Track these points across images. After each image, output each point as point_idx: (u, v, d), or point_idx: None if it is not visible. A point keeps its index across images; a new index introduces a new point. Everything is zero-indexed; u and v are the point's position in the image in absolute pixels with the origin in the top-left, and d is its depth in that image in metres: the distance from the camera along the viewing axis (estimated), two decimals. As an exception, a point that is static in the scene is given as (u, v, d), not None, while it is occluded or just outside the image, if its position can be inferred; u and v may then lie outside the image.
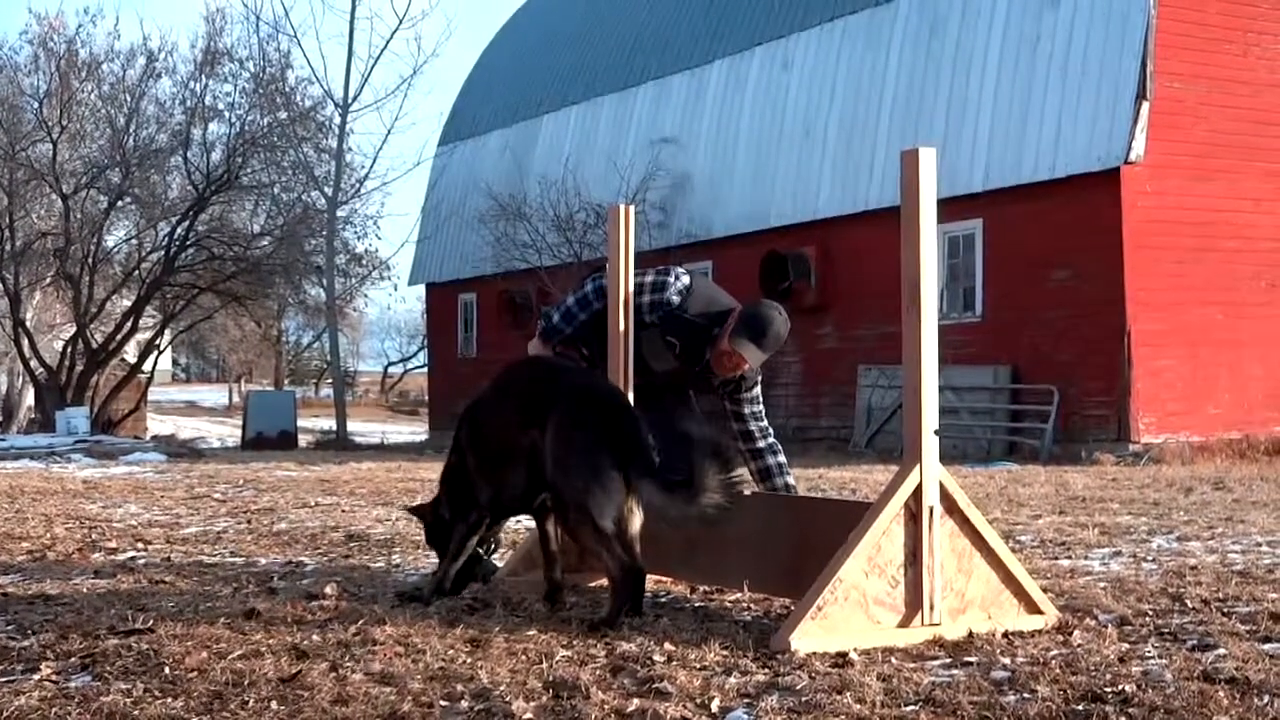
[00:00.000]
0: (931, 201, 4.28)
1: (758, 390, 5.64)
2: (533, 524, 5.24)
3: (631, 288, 5.49)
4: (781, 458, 5.59)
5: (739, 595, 5.08)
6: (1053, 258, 16.77)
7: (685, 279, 5.56)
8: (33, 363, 29.55)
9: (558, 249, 23.49)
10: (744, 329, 5.33)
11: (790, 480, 5.56)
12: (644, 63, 24.43)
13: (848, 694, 3.53)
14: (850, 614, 4.17)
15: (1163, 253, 16.25)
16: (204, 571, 5.89)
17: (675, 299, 5.47)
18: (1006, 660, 3.94)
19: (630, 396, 5.56)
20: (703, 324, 5.44)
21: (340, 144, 28.41)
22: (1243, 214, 16.77)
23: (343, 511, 8.94)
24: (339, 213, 28.71)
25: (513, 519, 6.18)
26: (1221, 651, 4.04)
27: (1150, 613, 4.72)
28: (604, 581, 5.48)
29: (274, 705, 3.47)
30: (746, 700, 3.52)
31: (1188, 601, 4.93)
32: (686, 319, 5.45)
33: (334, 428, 28.36)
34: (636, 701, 3.48)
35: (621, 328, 5.54)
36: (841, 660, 3.93)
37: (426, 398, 35.45)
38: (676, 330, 5.45)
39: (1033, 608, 4.46)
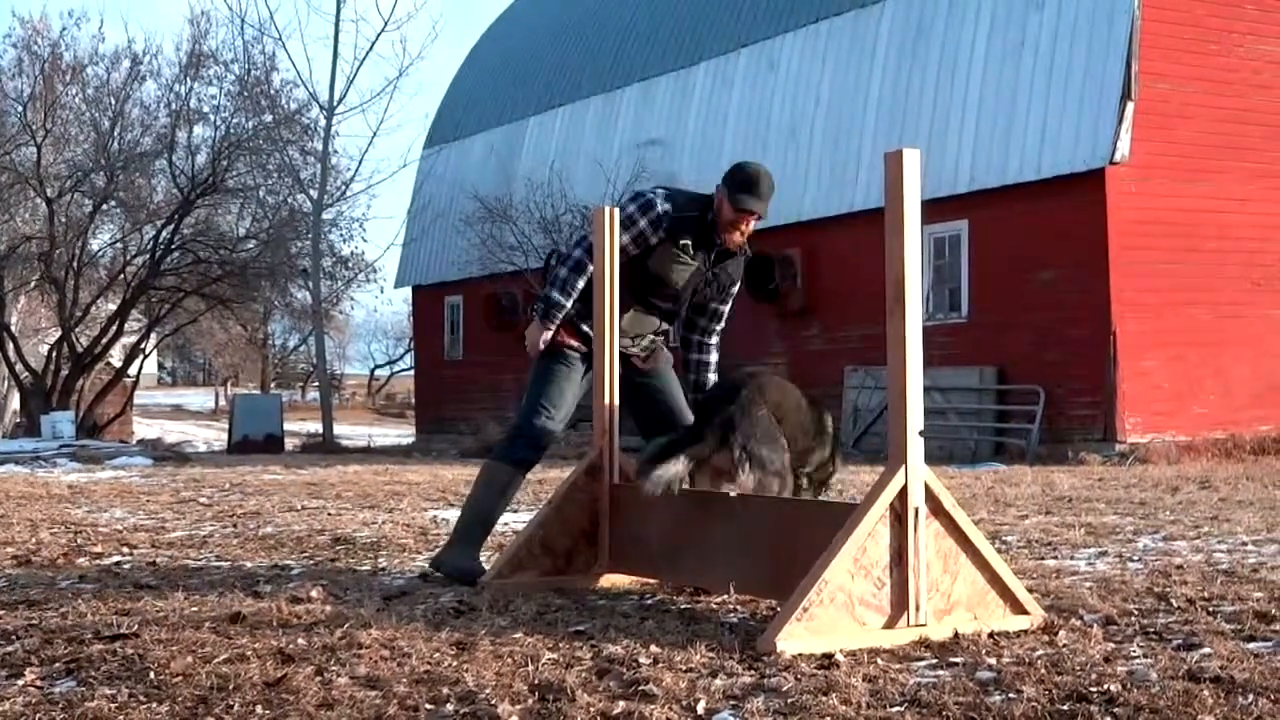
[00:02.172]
0: (916, 203, 4.29)
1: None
2: (519, 525, 5.24)
3: (620, 224, 5.56)
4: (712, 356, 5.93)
5: (725, 597, 5.08)
6: (1038, 258, 16.81)
7: (660, 189, 5.70)
8: (18, 367, 29.47)
9: (544, 251, 23.44)
10: (738, 188, 5.48)
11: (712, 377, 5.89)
12: (629, 65, 24.45)
13: (833, 695, 3.53)
14: (836, 615, 4.17)
15: (1148, 253, 16.30)
16: (189, 576, 5.87)
17: (666, 206, 5.56)
18: (992, 661, 3.95)
19: (616, 395, 5.58)
20: (697, 213, 5.58)
21: (326, 147, 28.40)
22: (1228, 214, 16.82)
23: (329, 515, 8.93)
24: (325, 215, 28.67)
25: (500, 522, 6.18)
26: (1207, 651, 4.04)
27: (1136, 612, 4.72)
28: (592, 584, 5.49)
29: (259, 709, 3.46)
30: (732, 702, 3.52)
31: (1173, 601, 4.93)
32: (684, 216, 5.56)
33: (320, 431, 28.32)
34: (622, 704, 3.48)
35: (607, 327, 5.54)
36: (827, 661, 3.93)
37: (413, 400, 35.41)
38: (682, 230, 5.55)
39: (1018, 608, 4.47)
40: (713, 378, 5.89)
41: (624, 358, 5.72)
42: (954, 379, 17.46)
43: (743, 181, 5.49)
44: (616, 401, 5.61)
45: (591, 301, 5.65)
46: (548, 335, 5.66)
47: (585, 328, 5.70)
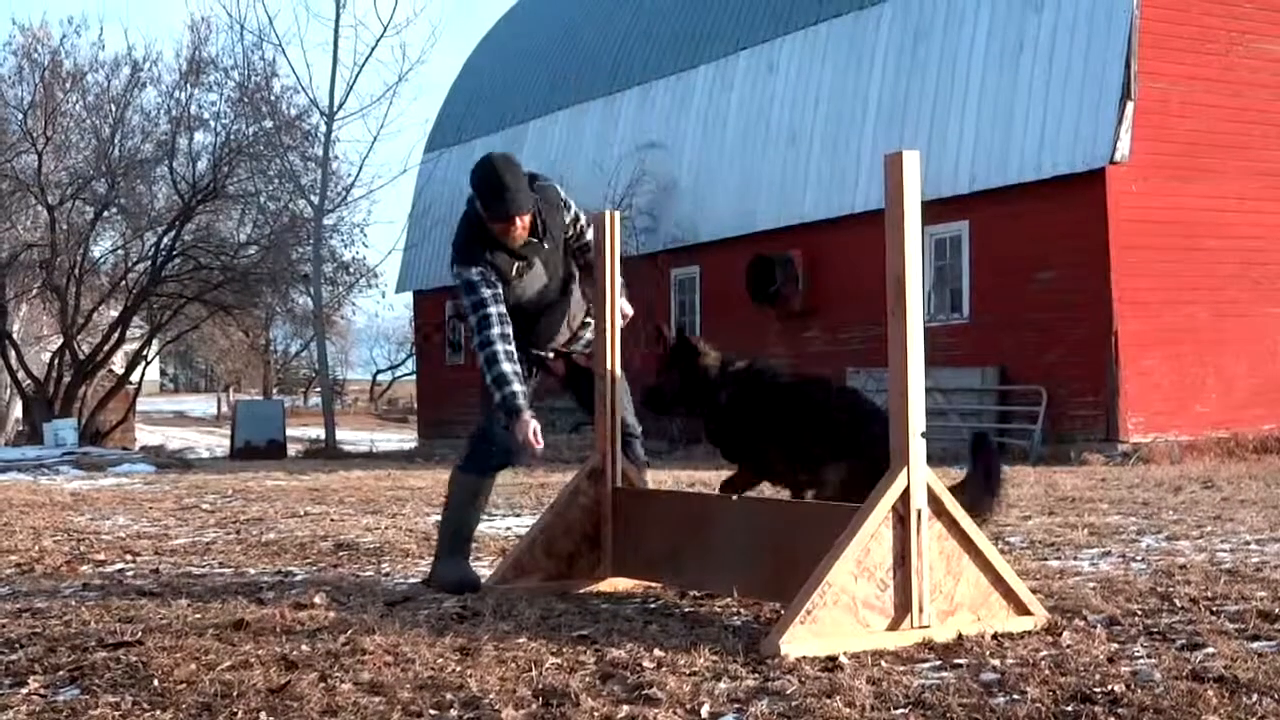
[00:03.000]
0: (916, 204, 4.29)
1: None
2: (522, 530, 5.23)
3: (464, 289, 5.50)
4: None
5: (728, 600, 5.08)
6: (1039, 259, 16.80)
7: (455, 259, 5.60)
8: (20, 375, 29.47)
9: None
10: (487, 203, 5.49)
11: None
12: (629, 68, 24.45)
13: (837, 698, 3.53)
14: (839, 617, 4.17)
15: (1148, 252, 16.29)
16: (193, 583, 5.87)
17: (470, 266, 5.50)
18: (996, 662, 3.95)
19: (619, 396, 5.56)
20: (480, 240, 5.53)
21: (326, 152, 28.37)
22: (1227, 213, 16.81)
23: (332, 520, 8.92)
24: (325, 221, 28.66)
25: (494, 526, 6.18)
26: (1210, 650, 4.04)
27: (1139, 612, 4.72)
28: (595, 588, 5.48)
29: (263, 716, 3.46)
30: (736, 705, 3.52)
31: (1176, 601, 4.93)
32: (484, 256, 5.50)
33: (323, 436, 28.29)
34: (626, 708, 3.48)
35: (609, 336, 5.54)
36: (831, 664, 3.93)
37: (415, 405, 35.39)
38: (496, 266, 5.51)
39: (1022, 609, 4.47)
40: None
41: (568, 355, 5.81)
42: (956, 380, 17.45)
43: (488, 195, 5.47)
44: (620, 407, 5.61)
45: (529, 327, 5.63)
46: (529, 425, 5.30)
47: (535, 351, 5.71)
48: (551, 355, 5.79)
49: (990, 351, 17.41)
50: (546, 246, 5.63)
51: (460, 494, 5.74)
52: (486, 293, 5.46)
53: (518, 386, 5.35)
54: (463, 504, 5.74)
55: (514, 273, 5.53)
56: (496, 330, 5.42)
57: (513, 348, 5.43)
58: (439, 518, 6.06)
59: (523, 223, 5.49)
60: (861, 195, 18.80)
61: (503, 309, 5.46)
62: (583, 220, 5.83)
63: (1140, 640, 4.26)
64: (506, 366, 5.36)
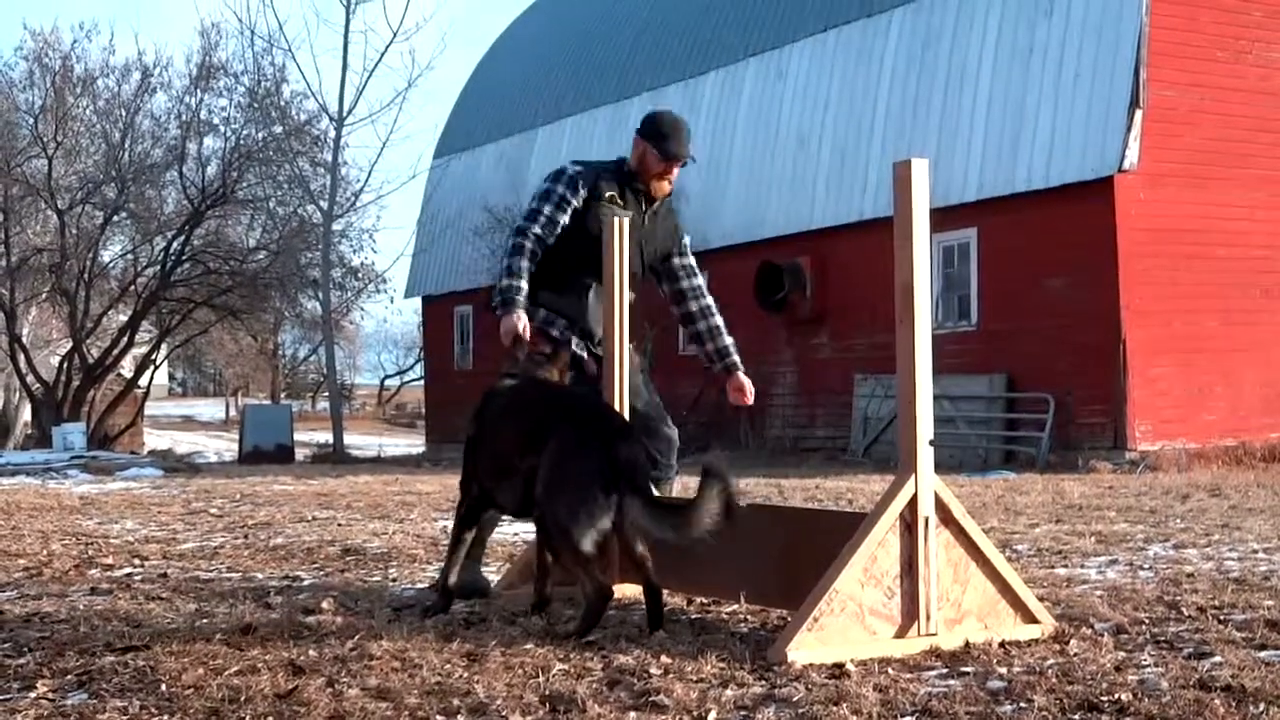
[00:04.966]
0: (924, 212, 4.29)
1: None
2: (530, 535, 5.24)
3: (553, 223, 5.52)
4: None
5: (736, 607, 5.08)
6: (1047, 266, 16.80)
7: (567, 163, 5.68)
8: (29, 378, 29.54)
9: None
10: (662, 137, 5.51)
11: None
12: (638, 74, 24.47)
13: (844, 705, 3.53)
14: (847, 625, 4.17)
15: (1157, 260, 16.28)
16: (201, 587, 5.88)
17: (577, 167, 5.59)
18: (1003, 670, 3.94)
19: (626, 396, 5.51)
20: (614, 166, 5.63)
21: (335, 157, 28.44)
22: (1236, 221, 16.80)
23: (339, 525, 8.93)
24: (335, 226, 28.72)
25: (503, 532, 6.19)
26: (1218, 659, 4.04)
27: (1146, 621, 4.72)
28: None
29: (270, 721, 3.47)
30: (743, 712, 3.52)
31: (1184, 609, 4.93)
32: (601, 171, 5.59)
33: (331, 441, 28.34)
34: (633, 714, 3.48)
35: (617, 336, 5.54)
36: (838, 671, 3.93)
37: (423, 410, 35.42)
38: (603, 184, 5.54)
39: (1029, 617, 4.46)
40: (729, 340, 5.84)
41: (596, 359, 5.62)
42: (964, 387, 17.45)
43: (666, 130, 5.52)
44: (627, 407, 5.60)
45: (558, 304, 5.58)
46: (518, 321, 5.36)
47: (554, 333, 5.57)
48: (585, 354, 5.71)
49: (998, 359, 17.40)
50: (653, 231, 5.65)
51: None
52: (559, 193, 5.52)
53: (523, 283, 5.41)
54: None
55: (616, 203, 5.51)
56: (538, 229, 5.49)
57: (540, 251, 5.48)
58: (451, 523, 6.05)
59: (673, 175, 5.58)
60: (870, 202, 18.81)
61: (560, 222, 5.50)
62: (687, 241, 5.83)
63: (1147, 649, 4.25)
64: (524, 262, 5.44)
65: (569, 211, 5.53)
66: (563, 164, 5.67)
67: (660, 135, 5.52)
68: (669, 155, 5.51)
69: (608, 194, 5.52)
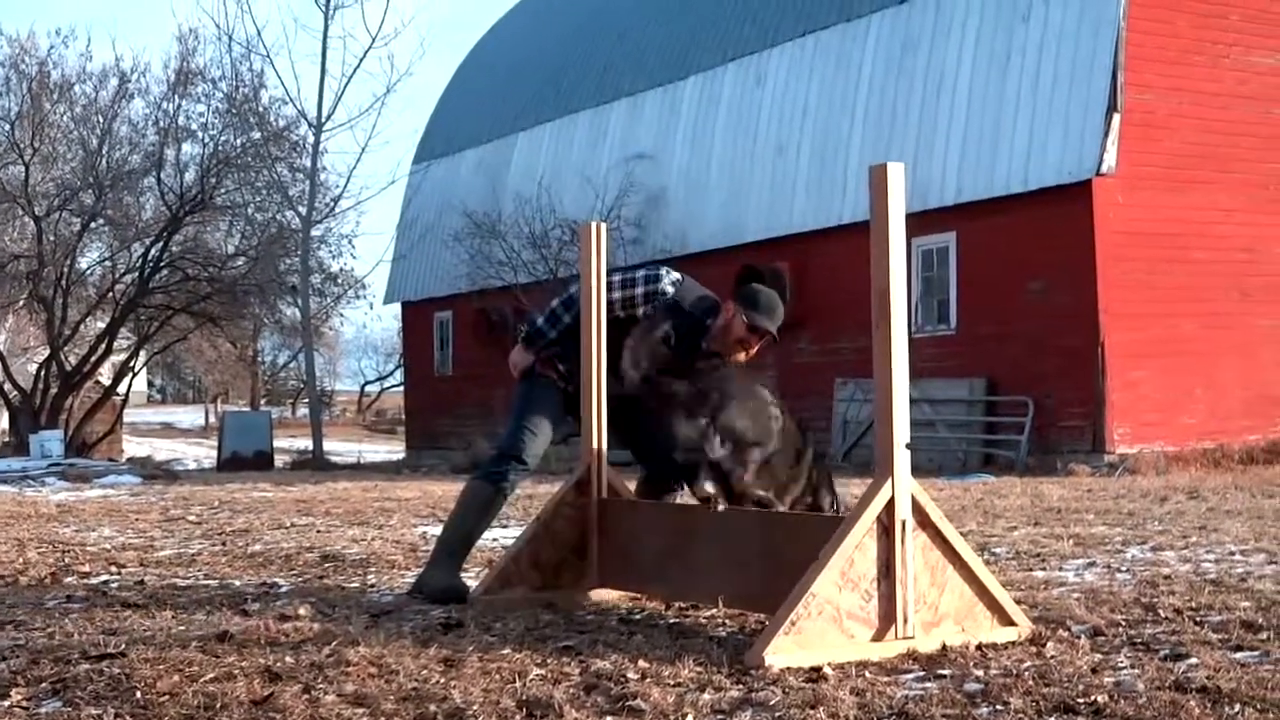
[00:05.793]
0: (900, 216, 4.30)
1: None
2: (508, 541, 5.23)
3: (606, 300, 5.56)
4: None
5: (713, 611, 5.08)
6: (1026, 270, 16.85)
7: (676, 274, 5.68)
8: (6, 386, 29.39)
9: (533, 266, 23.51)
10: (757, 308, 5.48)
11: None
12: (618, 79, 24.48)
13: (821, 709, 3.53)
14: (824, 629, 4.17)
15: (1135, 264, 16.34)
16: (177, 594, 5.85)
17: (670, 289, 5.58)
18: (980, 672, 3.95)
19: (604, 411, 5.55)
20: (699, 313, 5.57)
21: (314, 163, 28.34)
22: (1214, 225, 16.88)
23: (318, 532, 8.91)
24: (314, 232, 28.63)
25: (489, 538, 6.18)
26: (1194, 661, 4.05)
27: (1123, 623, 4.73)
28: (581, 599, 5.48)
29: (246, 728, 3.45)
30: (720, 716, 3.52)
31: (1161, 611, 4.94)
32: (684, 308, 5.54)
33: (310, 448, 28.25)
34: (610, 719, 3.48)
35: (594, 344, 5.54)
36: (815, 675, 3.93)
37: (403, 416, 35.36)
38: (672, 318, 5.47)
39: (1006, 620, 4.47)
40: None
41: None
42: (943, 390, 17.48)
43: (763, 304, 5.49)
44: (604, 417, 5.60)
45: (574, 345, 5.63)
46: (528, 360, 5.72)
47: (562, 368, 5.72)
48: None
49: (977, 363, 17.44)
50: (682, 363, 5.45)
51: (472, 504, 5.75)
52: (637, 297, 5.57)
53: (553, 334, 5.70)
54: (472, 514, 5.76)
55: (667, 341, 5.28)
56: (570, 318, 5.66)
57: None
58: (429, 529, 6.05)
59: (754, 349, 5.58)
60: (849, 206, 18.84)
61: (616, 308, 5.57)
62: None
63: (1124, 651, 4.26)
64: (568, 317, 5.67)
65: (628, 310, 5.56)
66: (667, 271, 5.64)
67: (753, 304, 5.49)
68: (756, 325, 5.48)
69: (663, 331, 5.35)
